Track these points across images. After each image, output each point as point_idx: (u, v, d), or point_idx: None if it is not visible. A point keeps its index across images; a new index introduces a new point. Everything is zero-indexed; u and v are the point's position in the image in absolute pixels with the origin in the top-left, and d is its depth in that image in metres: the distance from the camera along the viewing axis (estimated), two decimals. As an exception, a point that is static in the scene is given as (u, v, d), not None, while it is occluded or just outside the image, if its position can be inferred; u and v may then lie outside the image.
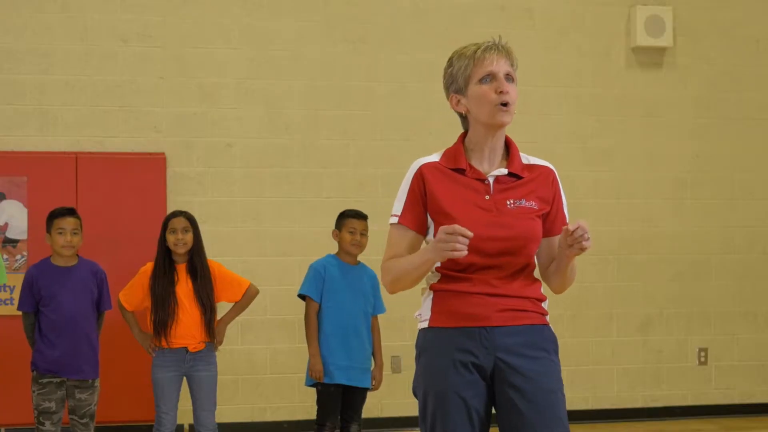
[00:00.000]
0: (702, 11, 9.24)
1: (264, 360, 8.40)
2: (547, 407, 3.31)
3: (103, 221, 7.89)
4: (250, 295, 6.50)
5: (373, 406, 8.28)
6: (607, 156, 8.98)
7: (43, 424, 6.11)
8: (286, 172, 8.50)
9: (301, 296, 6.46)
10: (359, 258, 6.57)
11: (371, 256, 8.21)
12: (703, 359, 9.17)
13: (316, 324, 6.38)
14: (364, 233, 6.49)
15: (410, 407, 8.68)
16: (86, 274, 6.27)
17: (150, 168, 8.18)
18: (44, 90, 8.16)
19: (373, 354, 6.50)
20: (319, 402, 6.38)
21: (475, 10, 8.84)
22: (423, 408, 3.39)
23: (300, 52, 8.57)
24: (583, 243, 3.26)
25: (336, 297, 6.37)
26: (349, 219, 6.50)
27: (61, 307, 6.13)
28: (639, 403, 9.07)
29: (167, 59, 8.36)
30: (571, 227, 3.25)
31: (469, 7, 8.84)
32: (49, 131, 8.16)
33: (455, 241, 3.15)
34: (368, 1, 8.69)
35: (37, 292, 6.15)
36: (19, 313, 6.31)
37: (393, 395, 8.51)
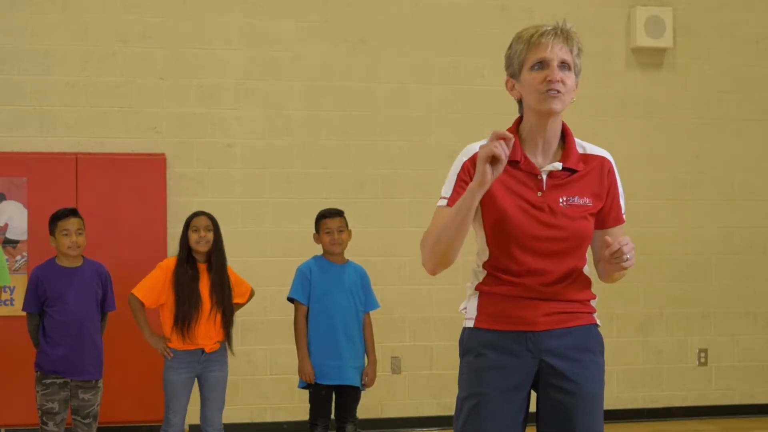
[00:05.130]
0: (702, 11, 9.24)
1: (264, 361, 8.40)
2: (588, 412, 3.30)
3: (103, 222, 7.88)
4: (250, 297, 6.59)
5: (372, 407, 8.28)
6: (607, 156, 8.97)
7: (46, 424, 6.11)
8: (286, 172, 8.50)
9: (290, 300, 6.47)
10: (347, 254, 6.56)
11: (370, 257, 8.23)
12: (703, 360, 9.16)
13: (304, 327, 6.38)
14: (341, 229, 6.45)
15: (410, 408, 8.73)
16: (92, 274, 6.27)
17: (150, 168, 8.18)
18: (44, 90, 8.16)
19: (366, 351, 6.49)
20: (310, 402, 6.40)
21: (475, 10, 8.84)
22: (459, 408, 3.34)
23: (300, 53, 8.56)
24: (622, 264, 3.18)
25: (324, 297, 6.36)
26: (323, 220, 6.48)
27: (67, 308, 6.13)
28: (639, 404, 9.07)
29: (167, 60, 8.35)
30: (611, 248, 3.15)
31: (469, 7, 8.83)
32: (49, 132, 8.15)
33: (494, 143, 3.00)
34: (368, 1, 8.69)
35: (43, 293, 6.15)
36: (21, 313, 6.31)
37: (393, 396, 8.51)
